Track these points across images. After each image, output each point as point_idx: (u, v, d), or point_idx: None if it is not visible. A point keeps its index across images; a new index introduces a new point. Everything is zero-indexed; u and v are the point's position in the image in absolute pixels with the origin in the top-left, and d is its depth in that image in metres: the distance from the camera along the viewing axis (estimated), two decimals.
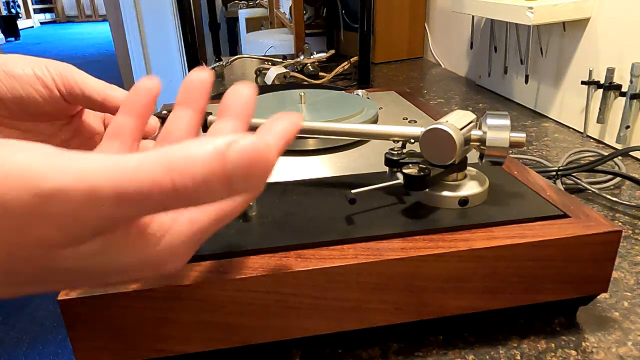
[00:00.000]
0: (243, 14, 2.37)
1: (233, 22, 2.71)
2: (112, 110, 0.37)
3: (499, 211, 0.35)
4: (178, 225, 0.23)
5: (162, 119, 0.39)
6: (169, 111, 0.40)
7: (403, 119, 0.57)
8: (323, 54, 1.15)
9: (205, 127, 0.40)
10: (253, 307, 0.30)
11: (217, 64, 1.19)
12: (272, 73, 1.04)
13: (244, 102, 0.28)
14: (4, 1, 7.59)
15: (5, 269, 0.20)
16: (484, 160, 0.36)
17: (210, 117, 0.40)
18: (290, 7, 1.42)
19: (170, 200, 0.18)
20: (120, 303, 0.29)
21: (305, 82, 1.06)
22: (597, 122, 0.71)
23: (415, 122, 0.56)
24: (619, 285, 0.40)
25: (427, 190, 0.36)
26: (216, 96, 0.98)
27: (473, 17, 0.98)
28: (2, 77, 0.33)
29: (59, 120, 0.38)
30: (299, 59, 1.14)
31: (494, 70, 0.99)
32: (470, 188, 0.36)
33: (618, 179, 0.57)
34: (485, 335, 0.35)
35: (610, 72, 0.68)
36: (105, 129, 0.41)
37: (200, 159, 0.18)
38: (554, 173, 0.57)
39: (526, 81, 0.82)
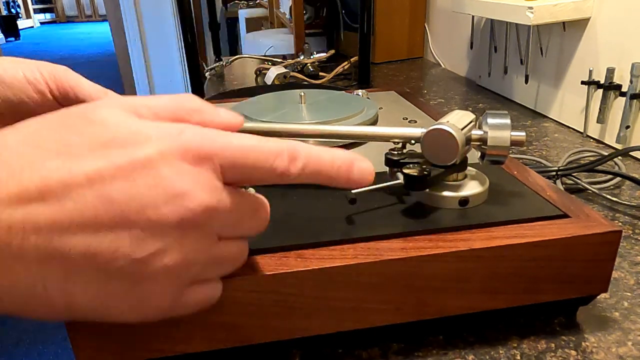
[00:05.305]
0: (243, 14, 2.37)
1: (233, 22, 2.71)
2: None
3: (499, 211, 0.35)
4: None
5: None
6: None
7: (403, 119, 0.57)
8: (323, 54, 1.15)
9: None
10: (253, 307, 0.30)
11: (217, 64, 1.19)
12: (272, 73, 1.04)
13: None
14: (4, 1, 7.59)
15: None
16: (485, 160, 0.36)
17: None
18: (290, 7, 1.42)
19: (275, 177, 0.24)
20: None
21: (305, 82, 1.06)
22: (597, 122, 0.71)
23: (416, 122, 0.56)
24: (619, 285, 0.40)
25: (427, 190, 0.36)
26: (216, 96, 0.98)
27: (473, 17, 0.98)
28: None
29: None
30: (299, 59, 1.14)
31: (494, 70, 0.99)
32: (471, 188, 0.36)
33: (618, 179, 0.57)
34: (485, 335, 0.35)
35: (610, 72, 0.68)
36: None
37: (329, 160, 0.26)
38: (554, 173, 0.57)
39: (526, 81, 0.82)
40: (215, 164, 0.23)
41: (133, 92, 2.70)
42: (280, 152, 0.24)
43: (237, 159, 0.24)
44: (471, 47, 1.04)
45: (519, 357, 0.33)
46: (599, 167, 0.57)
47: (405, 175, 0.34)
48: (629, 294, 0.39)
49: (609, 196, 0.53)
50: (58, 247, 0.20)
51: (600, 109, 0.70)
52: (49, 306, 0.22)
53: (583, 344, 0.34)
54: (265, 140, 0.24)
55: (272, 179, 0.25)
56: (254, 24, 2.28)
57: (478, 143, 0.35)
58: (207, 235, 0.24)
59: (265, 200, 0.27)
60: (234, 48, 2.80)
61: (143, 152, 0.21)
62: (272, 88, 1.02)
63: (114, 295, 0.22)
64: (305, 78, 1.07)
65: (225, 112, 0.27)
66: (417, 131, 0.36)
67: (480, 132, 0.35)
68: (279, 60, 1.16)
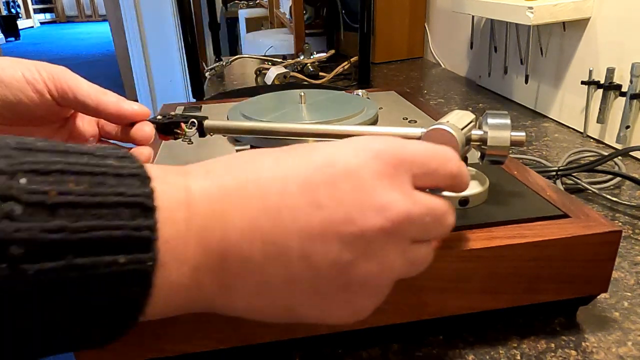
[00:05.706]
0: (243, 14, 2.37)
1: (233, 22, 2.71)
2: (106, 115, 0.36)
3: (499, 211, 0.35)
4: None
5: (157, 124, 0.39)
6: (164, 116, 0.40)
7: (403, 119, 0.57)
8: (323, 54, 1.15)
9: (202, 131, 0.40)
10: None
11: (217, 64, 1.19)
12: (272, 73, 1.04)
13: None
14: (4, 1, 7.59)
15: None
16: (485, 160, 0.36)
17: (206, 122, 0.40)
18: (290, 7, 1.42)
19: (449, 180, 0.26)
20: None
21: (305, 82, 1.06)
22: (597, 122, 0.71)
23: (416, 122, 0.56)
24: (619, 285, 0.40)
25: (427, 190, 0.36)
26: (216, 96, 0.98)
27: (473, 17, 0.98)
28: None
29: (52, 123, 0.38)
30: (299, 59, 1.14)
31: (494, 70, 0.99)
32: (471, 188, 0.36)
33: (618, 179, 0.57)
34: (485, 335, 0.35)
35: (610, 72, 0.68)
36: (100, 132, 0.40)
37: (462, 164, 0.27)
38: (554, 173, 0.57)
39: (526, 81, 0.82)
40: (409, 170, 0.24)
41: (133, 92, 2.70)
42: (452, 157, 0.26)
43: (426, 164, 0.25)
44: (471, 47, 1.04)
45: (519, 357, 0.33)
46: (599, 167, 0.57)
47: None
48: (629, 294, 0.39)
49: (609, 196, 0.53)
50: (280, 249, 0.22)
51: (600, 109, 0.70)
52: (273, 307, 0.23)
53: (583, 344, 0.34)
54: (434, 146, 0.26)
55: (446, 181, 0.26)
56: (254, 24, 2.28)
57: (478, 143, 0.35)
58: (405, 239, 0.24)
59: (450, 204, 0.27)
60: (234, 48, 2.80)
61: (343, 160, 0.23)
62: (272, 88, 1.02)
63: (325, 297, 0.23)
64: (305, 78, 1.07)
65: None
66: (417, 131, 0.36)
67: (480, 132, 0.35)
68: (279, 60, 1.16)
